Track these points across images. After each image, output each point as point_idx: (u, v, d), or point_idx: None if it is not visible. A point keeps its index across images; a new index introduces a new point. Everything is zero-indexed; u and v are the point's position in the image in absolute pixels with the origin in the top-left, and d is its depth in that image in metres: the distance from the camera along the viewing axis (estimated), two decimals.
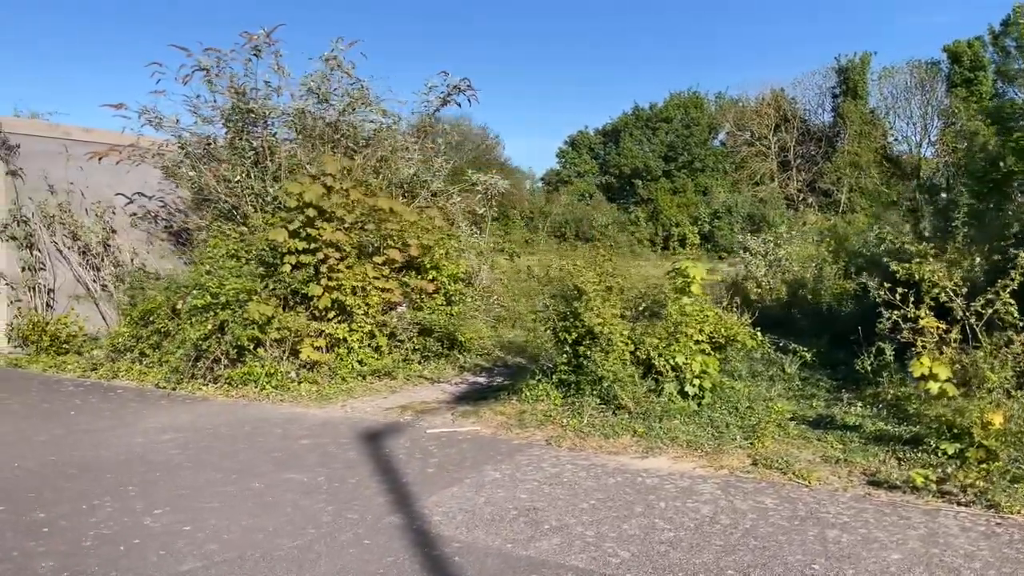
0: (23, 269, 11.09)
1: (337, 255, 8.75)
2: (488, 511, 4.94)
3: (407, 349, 9.41)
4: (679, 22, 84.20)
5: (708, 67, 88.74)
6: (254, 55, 10.03)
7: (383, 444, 6.46)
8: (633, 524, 4.73)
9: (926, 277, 6.44)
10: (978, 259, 8.18)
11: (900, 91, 56.47)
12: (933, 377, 5.84)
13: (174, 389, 8.51)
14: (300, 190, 8.75)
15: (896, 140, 56.78)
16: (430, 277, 9.97)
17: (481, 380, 9.19)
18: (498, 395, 7.98)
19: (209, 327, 8.32)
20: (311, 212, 8.74)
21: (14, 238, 10.98)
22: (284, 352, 8.67)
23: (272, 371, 8.45)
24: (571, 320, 7.65)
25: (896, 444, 6.19)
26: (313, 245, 8.74)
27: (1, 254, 10.96)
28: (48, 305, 11.30)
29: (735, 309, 8.21)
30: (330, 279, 8.82)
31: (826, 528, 4.68)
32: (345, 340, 8.96)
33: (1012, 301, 6.25)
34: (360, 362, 8.99)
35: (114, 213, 12.05)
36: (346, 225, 9.12)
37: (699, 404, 7.40)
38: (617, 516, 4.86)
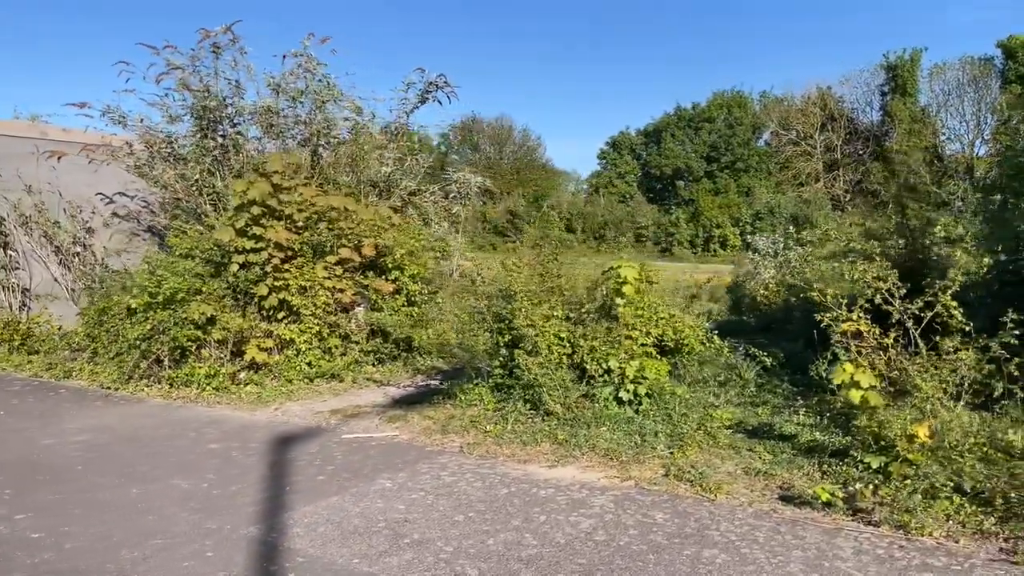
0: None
1: (281, 255, 8.59)
2: (355, 523, 4.70)
3: (360, 351, 9.22)
4: (721, 21, 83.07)
5: (752, 66, 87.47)
6: (213, 52, 9.94)
7: (290, 450, 6.26)
8: (500, 539, 4.45)
9: (858, 278, 6.02)
10: (987, 259, 7.62)
11: (952, 88, 54.83)
12: (855, 385, 5.43)
13: (117, 390, 8.43)
14: (244, 187, 8.62)
15: (948, 139, 55.06)
16: (392, 277, 9.78)
17: (434, 383, 8.94)
18: (436, 399, 7.73)
19: (148, 327, 8.23)
20: (256, 210, 8.60)
21: None
22: (227, 353, 8.54)
23: (213, 372, 8.32)
24: (505, 322, 7.39)
25: (825, 456, 5.79)
26: (259, 244, 8.59)
27: None
28: (24, 305, 11.37)
29: (705, 312, 7.86)
30: (276, 279, 8.67)
31: (706, 548, 4.34)
32: (293, 341, 8.81)
33: (954, 304, 5.79)
34: (309, 364, 8.83)
35: (93, 213, 12.09)
36: (298, 224, 8.97)
37: (636, 411, 7.07)
38: (488, 530, 4.58)
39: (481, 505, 4.99)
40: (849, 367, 5.49)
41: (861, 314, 5.88)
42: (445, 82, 12.01)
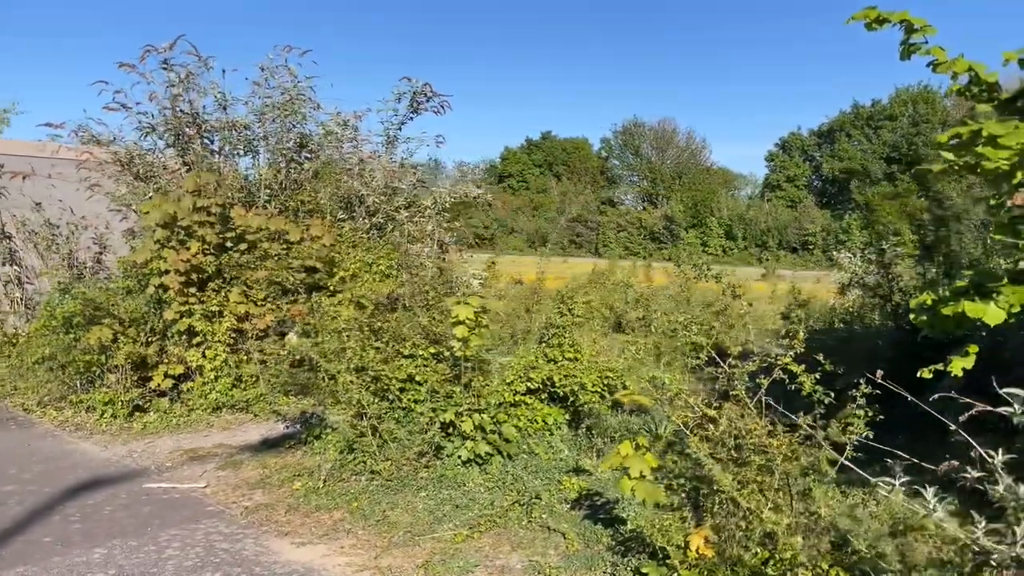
0: (5, 283, 11.74)
1: (182, 278, 8.24)
2: None
3: (279, 381, 8.72)
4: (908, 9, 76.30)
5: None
6: (163, 68, 9.80)
7: (77, 498, 5.81)
8: None
9: None
10: None
11: None
12: (626, 472, 4.21)
13: (31, 412, 8.44)
14: (147, 208, 8.37)
15: None
16: (336, 301, 9.21)
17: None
18: (298, 443, 7.06)
19: (47, 351, 8.16)
20: (160, 234, 8.32)
21: None
22: (130, 379, 8.31)
23: (111, 399, 8.11)
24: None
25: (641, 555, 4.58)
26: (165, 267, 8.31)
27: None
28: (30, 319, 11.85)
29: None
30: (181, 303, 8.35)
31: None
32: (202, 369, 8.46)
33: (794, 367, 4.40)
34: (219, 392, 8.44)
35: (107, 228, 12.43)
36: (212, 245, 8.60)
37: (482, 470, 6.06)
38: None
39: None
40: (625, 447, 4.27)
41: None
42: (432, 92, 11.33)
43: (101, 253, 12.27)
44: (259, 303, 8.67)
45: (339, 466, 6.18)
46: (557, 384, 6.78)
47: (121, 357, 8.07)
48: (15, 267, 11.80)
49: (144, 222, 8.48)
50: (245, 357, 8.68)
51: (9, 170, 11.19)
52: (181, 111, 10.26)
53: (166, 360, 8.46)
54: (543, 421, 6.65)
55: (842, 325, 11.88)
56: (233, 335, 8.56)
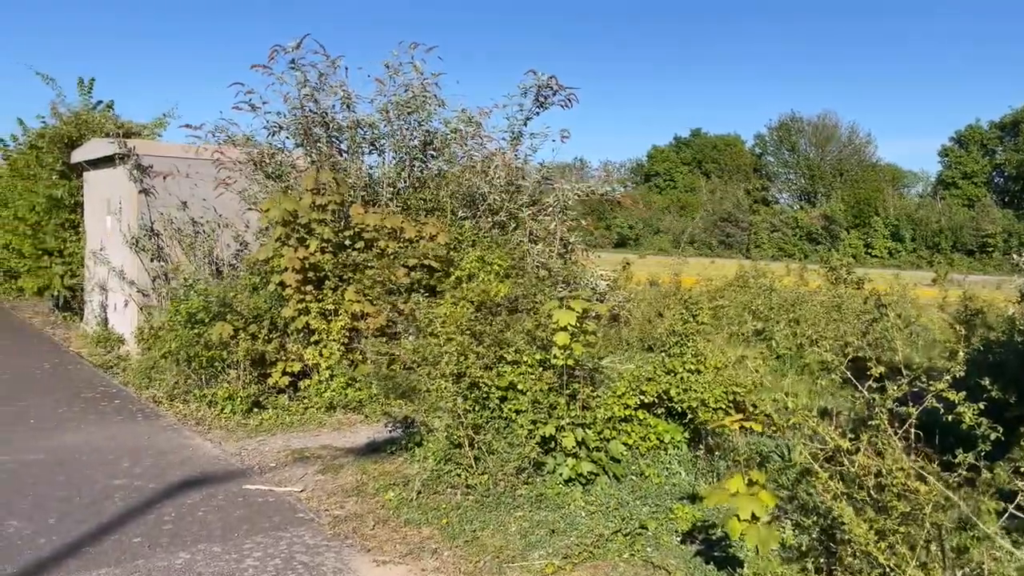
0: (153, 279, 12.34)
1: (299, 276, 8.22)
2: None
3: (390, 383, 8.54)
4: None
5: None
6: (291, 68, 9.89)
7: (177, 497, 5.79)
8: None
9: None
10: None
11: None
12: (748, 536, 3.56)
13: (159, 404, 8.70)
14: (269, 205, 8.41)
15: None
16: (451, 301, 8.96)
17: None
18: (400, 448, 6.81)
19: (172, 345, 8.37)
20: (280, 231, 8.34)
21: (144, 250, 12.25)
22: (252, 375, 8.38)
23: (230, 394, 8.20)
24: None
25: None
26: (282, 264, 8.33)
27: (134, 265, 12.30)
28: None
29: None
30: (299, 301, 8.35)
31: None
32: (318, 367, 8.42)
33: (951, 395, 3.61)
34: (334, 392, 8.37)
35: (246, 228, 12.86)
36: (331, 243, 8.55)
37: (585, 491, 5.55)
38: None
39: None
40: (734, 483, 3.63)
41: None
42: (559, 85, 10.86)
43: (241, 251, 12.70)
44: (374, 302, 8.53)
45: (435, 477, 5.85)
46: (674, 398, 6.15)
47: (240, 353, 8.15)
48: (161, 263, 12.40)
49: (264, 219, 8.55)
50: (360, 356, 8.58)
51: (159, 171, 11.74)
52: (311, 111, 10.36)
53: (285, 357, 8.49)
54: (657, 439, 6.05)
55: (1022, 339, 10.41)
56: (348, 334, 8.47)
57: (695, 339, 6.71)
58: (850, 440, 3.92)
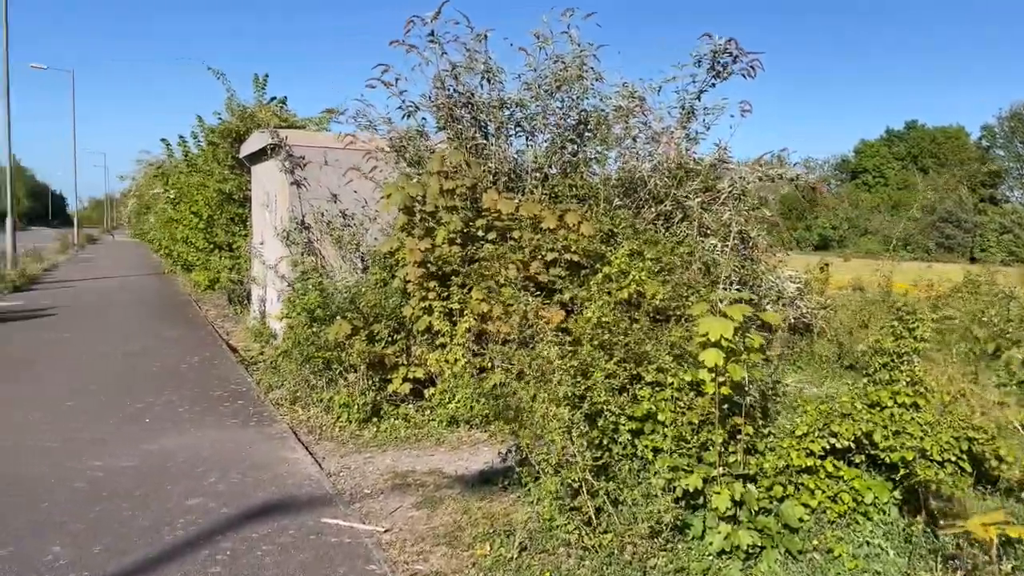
0: (303, 273, 11.90)
1: (420, 271, 7.17)
2: None
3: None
4: None
5: None
6: (430, 42, 8.90)
7: (248, 526, 4.87)
8: None
9: None
10: None
11: None
12: None
13: (280, 406, 8.01)
14: (391, 191, 7.42)
15: None
16: (601, 303, 7.59)
17: None
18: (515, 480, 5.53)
19: (288, 345, 7.61)
20: (402, 220, 7.35)
21: (295, 243, 11.85)
22: (367, 381, 7.45)
23: (346, 401, 7.32)
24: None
25: None
26: (402, 257, 7.34)
27: (286, 259, 11.93)
28: None
29: None
30: (422, 299, 7.31)
31: None
32: (441, 375, 7.35)
33: None
34: (458, 404, 7.27)
35: (395, 219, 12.15)
36: (457, 234, 7.46)
37: (745, 570, 4.00)
38: None
39: None
40: None
41: None
42: (739, 49, 9.15)
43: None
44: (506, 302, 7.33)
45: (546, 529, 4.53)
46: (880, 444, 4.42)
47: (355, 355, 7.26)
48: (312, 257, 11.97)
49: (385, 206, 7.62)
50: (490, 364, 7.42)
51: (310, 162, 11.29)
52: (454, 90, 9.36)
53: (407, 362, 7.51)
54: (853, 500, 4.35)
55: None
56: (474, 338, 7.34)
57: (912, 361, 4.93)
58: None
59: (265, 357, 10.67)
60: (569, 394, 4.37)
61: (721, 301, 4.16)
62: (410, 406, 7.56)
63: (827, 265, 15.74)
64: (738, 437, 4.33)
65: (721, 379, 4.04)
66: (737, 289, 8.53)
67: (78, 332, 12.85)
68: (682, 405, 4.55)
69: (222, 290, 16.18)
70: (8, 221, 21.79)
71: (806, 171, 9.85)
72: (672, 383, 4.59)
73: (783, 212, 9.93)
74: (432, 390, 7.51)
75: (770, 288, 9.26)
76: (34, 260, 26.99)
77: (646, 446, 4.51)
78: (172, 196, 17.66)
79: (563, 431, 4.28)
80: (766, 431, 4.54)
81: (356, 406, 7.30)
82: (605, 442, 4.63)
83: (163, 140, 18.58)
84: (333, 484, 5.76)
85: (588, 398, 4.59)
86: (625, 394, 4.65)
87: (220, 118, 15.82)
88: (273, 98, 16.61)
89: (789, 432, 4.50)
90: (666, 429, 4.46)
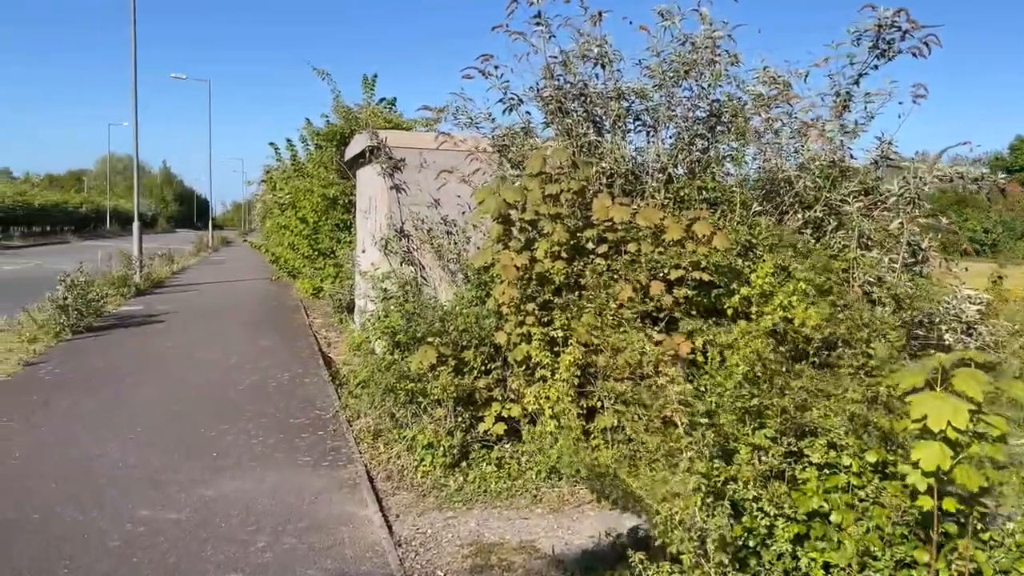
0: (402, 285, 11.00)
1: (515, 293, 6.02)
2: None
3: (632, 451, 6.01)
4: None
5: None
6: (537, 25, 7.75)
7: None
8: None
9: None
10: None
11: None
12: None
13: (360, 442, 7.06)
14: (484, 196, 6.31)
15: None
16: (741, 331, 6.24)
17: None
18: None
19: (365, 373, 6.63)
20: (497, 230, 6.23)
21: (394, 252, 10.98)
22: (455, 419, 6.37)
23: (432, 441, 6.27)
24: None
25: None
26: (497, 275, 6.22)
27: (382, 267, 11.08)
28: None
29: None
30: (519, 324, 6.16)
31: None
32: (541, 414, 6.18)
33: None
34: (559, 451, 6.06)
35: None
36: (561, 246, 6.26)
37: None
38: None
39: None
40: None
41: None
42: (912, 22, 7.51)
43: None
44: (618, 329, 6.07)
45: None
46: None
47: (438, 389, 6.19)
48: (411, 267, 11.07)
49: (478, 213, 6.53)
50: (598, 404, 6.18)
51: (412, 164, 10.41)
52: (564, 80, 8.18)
53: (501, 397, 6.40)
54: None
55: None
56: (579, 372, 6.11)
57: None
58: None
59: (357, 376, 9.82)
60: (702, 486, 3.09)
61: (948, 366, 2.77)
62: (505, 446, 6.45)
63: (1001, 278, 13.49)
64: (952, 559, 2.93)
65: (939, 495, 2.66)
66: (911, 314, 6.97)
67: (180, 340, 12.51)
68: (865, 497, 3.20)
69: (327, 298, 15.65)
70: (135, 226, 22.27)
71: (988, 171, 8.04)
72: (852, 466, 3.24)
73: (931, 213, 8.06)
74: (531, 430, 6.35)
75: (947, 312, 7.56)
76: (165, 263, 27.76)
77: (811, 555, 3.18)
78: (280, 201, 17.37)
79: (686, 537, 3.01)
80: (990, 545, 3.11)
81: (442, 448, 6.24)
82: (753, 544, 3.32)
83: (271, 144, 18.31)
84: (400, 559, 4.69)
85: (727, 479, 3.31)
86: (780, 480, 3.34)
87: (327, 120, 15.28)
88: (383, 99, 15.95)
89: (1018, 549, 3.06)
90: (842, 534, 3.12)
